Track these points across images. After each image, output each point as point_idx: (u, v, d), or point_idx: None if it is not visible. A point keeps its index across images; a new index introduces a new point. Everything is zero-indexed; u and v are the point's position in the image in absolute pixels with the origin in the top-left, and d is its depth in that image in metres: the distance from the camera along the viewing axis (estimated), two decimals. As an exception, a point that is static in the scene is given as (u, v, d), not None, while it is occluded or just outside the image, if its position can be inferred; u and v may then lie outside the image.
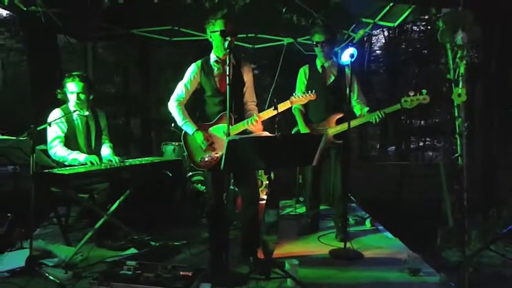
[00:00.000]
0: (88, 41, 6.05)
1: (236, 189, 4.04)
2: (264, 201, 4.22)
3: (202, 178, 5.07)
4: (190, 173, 5.15)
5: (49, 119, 3.55)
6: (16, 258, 3.06)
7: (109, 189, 3.57)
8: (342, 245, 3.66)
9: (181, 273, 2.69)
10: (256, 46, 6.58)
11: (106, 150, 3.87)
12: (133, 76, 14.32)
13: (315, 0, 4.62)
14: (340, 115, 3.91)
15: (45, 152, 3.56)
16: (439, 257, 3.81)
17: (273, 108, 3.02)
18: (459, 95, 3.67)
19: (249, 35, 6.14)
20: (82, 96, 3.70)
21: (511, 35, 7.03)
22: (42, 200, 3.37)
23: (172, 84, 3.34)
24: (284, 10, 4.70)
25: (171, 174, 4.50)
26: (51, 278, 2.81)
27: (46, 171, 3.07)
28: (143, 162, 3.64)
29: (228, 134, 2.88)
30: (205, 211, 4.44)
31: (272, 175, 2.97)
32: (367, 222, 4.61)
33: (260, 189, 4.83)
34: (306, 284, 2.85)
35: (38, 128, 3.03)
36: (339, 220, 4.08)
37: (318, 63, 4.09)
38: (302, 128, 4.03)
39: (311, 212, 4.32)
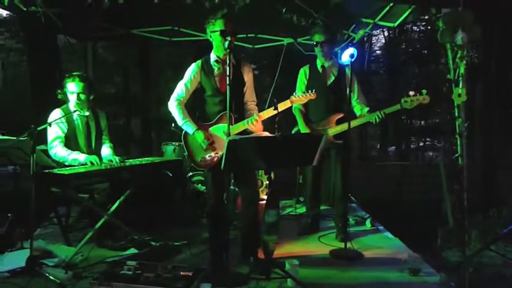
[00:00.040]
0: (88, 41, 6.06)
1: (236, 189, 4.04)
2: (264, 201, 4.22)
3: (203, 178, 5.07)
4: (191, 173, 5.15)
5: (49, 119, 3.55)
6: (16, 258, 3.06)
7: (109, 189, 3.57)
8: (342, 245, 3.66)
9: (181, 273, 2.69)
10: (256, 46, 6.58)
11: (106, 150, 3.87)
12: (133, 76, 14.32)
13: (315, 1, 4.62)
14: (340, 115, 3.92)
15: (46, 152, 3.56)
16: (439, 257, 3.81)
17: (273, 108, 3.03)
18: (459, 95, 3.67)
19: (249, 35, 6.14)
20: (82, 97, 3.70)
21: (511, 35, 7.03)
22: (43, 200, 3.37)
23: (172, 84, 3.34)
24: (284, 10, 4.70)
25: (171, 174, 4.50)
26: (52, 278, 2.81)
27: (46, 171, 3.07)
28: (143, 162, 3.64)
29: (228, 134, 2.88)
30: (205, 211, 4.45)
31: (272, 175, 2.97)
32: (368, 222, 4.61)
33: (260, 189, 4.84)
34: (307, 284, 2.85)
35: (38, 128, 3.03)
36: (339, 220, 4.08)
37: (318, 63, 4.09)
38: (302, 128, 4.03)
39: (311, 212, 4.33)
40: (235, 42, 3.22)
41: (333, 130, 3.89)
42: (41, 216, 4.14)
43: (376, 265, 3.33)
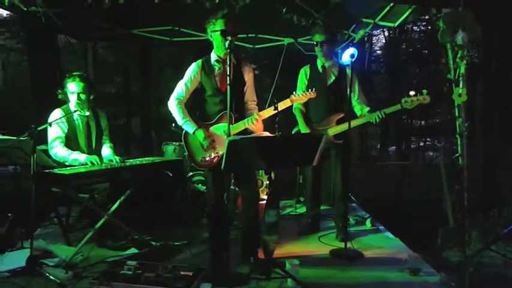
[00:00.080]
0: (88, 41, 6.06)
1: (237, 189, 4.04)
2: (265, 201, 4.22)
3: (203, 178, 5.07)
4: (191, 173, 5.15)
5: (50, 119, 3.55)
6: (17, 258, 3.06)
7: (109, 189, 3.58)
8: (342, 245, 3.66)
9: (181, 273, 2.69)
10: (256, 46, 6.59)
11: (106, 150, 3.87)
12: (133, 76, 14.30)
13: (315, 0, 4.61)
14: (341, 115, 3.91)
15: (46, 152, 3.56)
16: (440, 256, 3.81)
17: (273, 107, 3.03)
18: (460, 95, 3.68)
19: (250, 35, 6.14)
20: (82, 97, 3.70)
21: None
22: (43, 200, 3.37)
23: (172, 84, 3.34)
24: (284, 10, 4.70)
25: (171, 174, 4.50)
26: (52, 278, 2.81)
27: (47, 171, 3.07)
28: (144, 162, 3.64)
29: (229, 133, 2.88)
30: (205, 211, 4.46)
31: (272, 175, 2.97)
32: (368, 222, 4.61)
33: (260, 189, 4.83)
34: (307, 284, 2.85)
35: (39, 128, 3.03)
36: (340, 220, 4.07)
37: (319, 63, 4.09)
38: (302, 128, 4.03)
39: (311, 212, 4.32)
40: (236, 42, 3.22)
41: (333, 130, 3.89)
42: (41, 216, 4.14)
43: (377, 265, 3.33)
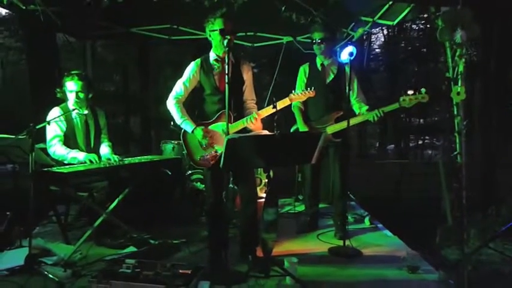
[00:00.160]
0: (87, 40, 6.04)
1: (235, 187, 4.04)
2: (263, 200, 4.22)
3: (202, 176, 5.07)
4: (190, 172, 5.15)
5: (48, 118, 3.55)
6: (15, 257, 3.06)
7: (108, 187, 3.58)
8: (341, 243, 3.66)
9: (180, 271, 2.68)
10: (255, 45, 6.58)
11: (105, 149, 3.87)
12: (132, 75, 14.30)
13: (314, -1, 4.62)
14: (340, 113, 3.92)
15: (45, 150, 3.57)
16: (438, 254, 3.82)
17: (272, 106, 3.03)
18: (458, 93, 3.67)
19: (248, 33, 6.14)
20: (81, 95, 3.70)
21: (510, 33, 7.03)
22: (42, 199, 3.38)
23: (171, 83, 3.34)
24: (283, 8, 4.69)
25: (170, 173, 4.50)
26: (51, 276, 2.81)
27: (45, 169, 3.08)
28: (142, 160, 3.64)
29: (227, 132, 2.88)
30: (204, 209, 4.47)
31: (271, 173, 2.97)
32: (366, 220, 4.61)
33: (259, 188, 4.85)
34: (305, 281, 2.85)
35: (37, 127, 3.02)
36: (338, 218, 4.08)
37: (318, 61, 4.09)
38: (301, 126, 4.04)
39: (310, 210, 4.33)
40: (235, 41, 3.22)
41: (332, 128, 3.89)
42: (39, 215, 4.14)
43: (375, 263, 3.34)
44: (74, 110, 3.66)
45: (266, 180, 5.26)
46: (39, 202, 3.20)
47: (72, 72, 3.74)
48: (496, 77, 6.47)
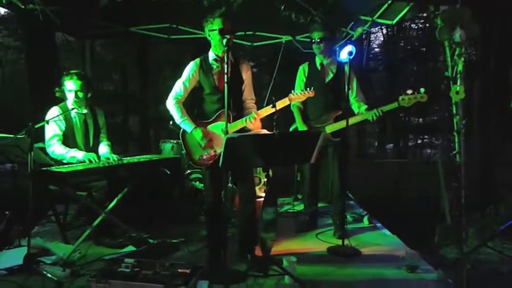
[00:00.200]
0: (86, 39, 6.04)
1: (234, 187, 4.04)
2: (262, 199, 4.22)
3: (201, 176, 5.07)
4: (189, 171, 5.15)
5: (47, 117, 3.54)
6: (14, 256, 3.06)
7: (107, 187, 3.58)
8: (340, 242, 3.67)
9: (179, 270, 2.69)
10: (254, 44, 6.58)
11: (104, 148, 3.87)
12: (131, 74, 14.29)
13: (313, -2, 4.62)
14: (339, 113, 3.92)
15: (43, 150, 3.56)
16: (437, 254, 3.83)
17: (271, 105, 3.03)
18: (457, 93, 3.67)
19: (248, 32, 6.12)
20: (80, 94, 3.69)
21: (510, 32, 7.02)
22: (40, 198, 3.37)
23: (170, 82, 3.34)
24: (282, 8, 4.69)
25: (169, 172, 4.50)
26: (49, 275, 2.81)
27: (44, 169, 3.08)
28: (141, 160, 3.64)
29: (226, 132, 2.88)
30: (203, 209, 4.46)
31: (270, 173, 2.97)
32: (365, 219, 4.61)
33: (258, 187, 4.84)
34: (304, 281, 2.86)
35: (36, 126, 3.02)
36: (337, 217, 4.08)
37: (317, 60, 4.09)
38: (300, 125, 4.04)
39: (309, 210, 4.33)
40: (234, 40, 3.22)
41: (331, 127, 3.89)
42: (38, 214, 4.14)
43: (374, 262, 3.34)
44: (73, 109, 3.66)
45: (265, 180, 5.25)
46: (38, 201, 3.20)
47: (71, 71, 3.73)
48: (495, 76, 6.49)
